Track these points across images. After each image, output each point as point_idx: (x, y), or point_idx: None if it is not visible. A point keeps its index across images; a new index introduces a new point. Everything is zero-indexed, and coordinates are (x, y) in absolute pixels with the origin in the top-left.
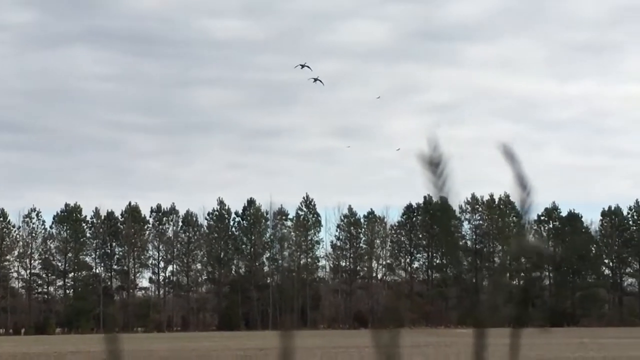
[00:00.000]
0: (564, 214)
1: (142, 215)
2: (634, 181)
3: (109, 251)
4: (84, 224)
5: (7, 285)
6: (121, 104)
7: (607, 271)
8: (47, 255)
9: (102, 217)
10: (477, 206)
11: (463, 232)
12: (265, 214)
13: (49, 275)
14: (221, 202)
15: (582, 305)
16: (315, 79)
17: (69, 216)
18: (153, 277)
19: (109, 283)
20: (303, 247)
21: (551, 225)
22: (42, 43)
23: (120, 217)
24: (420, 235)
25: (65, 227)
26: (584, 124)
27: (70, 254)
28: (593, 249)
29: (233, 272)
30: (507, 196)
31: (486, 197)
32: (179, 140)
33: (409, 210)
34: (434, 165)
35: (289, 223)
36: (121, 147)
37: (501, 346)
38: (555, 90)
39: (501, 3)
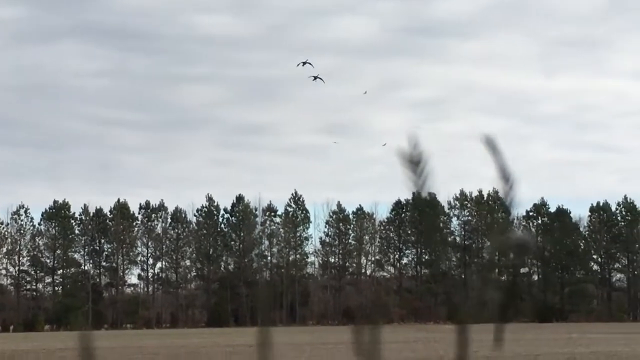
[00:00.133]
0: (552, 209)
1: (131, 212)
2: (621, 176)
3: (97, 248)
4: (72, 221)
5: None
6: (109, 100)
7: (595, 267)
8: (35, 252)
9: (91, 214)
10: (466, 202)
11: (452, 228)
12: (254, 211)
13: (38, 272)
14: (210, 199)
15: (571, 301)
16: (316, 77)
17: (58, 213)
18: (142, 273)
19: (97, 280)
20: (292, 244)
21: (540, 221)
22: (30, 38)
23: (108, 213)
24: (409, 232)
25: (53, 224)
26: (571, 118)
27: (58, 251)
28: (582, 244)
29: (222, 268)
30: (496, 192)
31: (475, 193)
32: (168, 137)
33: (397, 206)
34: (414, 163)
35: (277, 219)
36: (110, 144)
37: (487, 342)
38: (543, 85)
39: None
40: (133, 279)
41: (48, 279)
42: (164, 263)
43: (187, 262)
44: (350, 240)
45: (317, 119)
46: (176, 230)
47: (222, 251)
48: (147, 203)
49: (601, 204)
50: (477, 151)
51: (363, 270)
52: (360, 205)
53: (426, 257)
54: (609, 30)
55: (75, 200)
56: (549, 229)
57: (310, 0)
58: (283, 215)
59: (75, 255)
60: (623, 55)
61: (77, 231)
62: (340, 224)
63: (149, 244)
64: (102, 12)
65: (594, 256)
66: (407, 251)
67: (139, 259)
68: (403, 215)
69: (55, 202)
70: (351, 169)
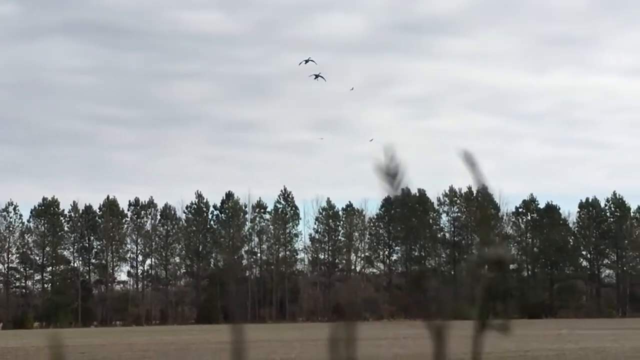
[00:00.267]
0: (541, 205)
1: (120, 209)
2: (610, 172)
3: (87, 245)
4: (61, 218)
5: None
6: (98, 97)
7: (584, 263)
8: (24, 249)
9: (80, 211)
10: (455, 198)
11: (441, 225)
12: (243, 207)
13: (27, 269)
14: (199, 196)
15: (560, 297)
16: (317, 76)
17: (47, 210)
18: (131, 270)
19: (87, 277)
20: (281, 240)
21: (529, 217)
22: (17, 35)
23: (98, 210)
24: (399, 228)
25: (42, 221)
26: (560, 115)
27: (48, 248)
28: (571, 240)
29: (212, 265)
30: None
31: (464, 190)
32: (157, 134)
33: (387, 202)
34: (391, 176)
35: (267, 216)
36: (98, 141)
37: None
38: (531, 82)
39: None
40: (122, 276)
41: (37, 276)
42: (153, 260)
43: (177, 259)
44: (339, 237)
45: (307, 115)
46: (165, 227)
47: (212, 248)
48: (137, 200)
49: (590, 200)
50: (465, 147)
51: (353, 267)
52: (349, 201)
53: (415, 254)
54: (596, 27)
55: (65, 197)
56: (538, 225)
57: None
58: (272, 211)
59: (65, 253)
60: (610, 52)
61: (66, 228)
62: (330, 221)
63: (139, 240)
64: (93, 9)
65: (583, 252)
66: (397, 247)
67: (128, 255)
68: (392, 211)
69: (44, 199)
70: (341, 165)
